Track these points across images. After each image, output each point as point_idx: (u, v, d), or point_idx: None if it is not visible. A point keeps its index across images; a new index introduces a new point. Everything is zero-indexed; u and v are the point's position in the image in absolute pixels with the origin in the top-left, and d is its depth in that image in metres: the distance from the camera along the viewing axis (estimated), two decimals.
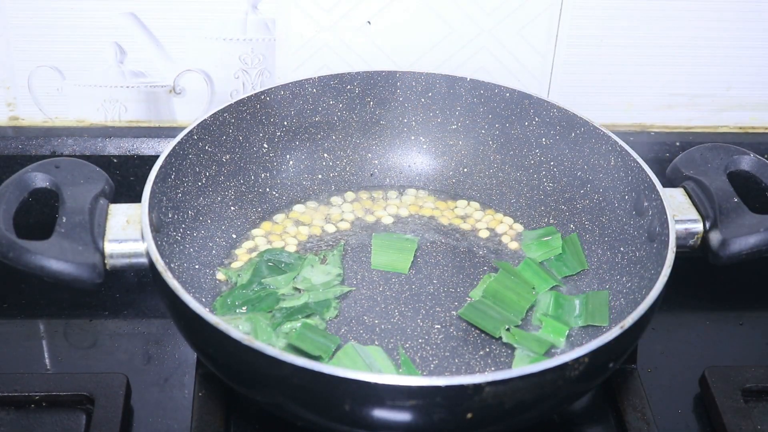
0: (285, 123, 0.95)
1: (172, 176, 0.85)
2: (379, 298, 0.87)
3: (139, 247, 0.76)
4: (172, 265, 0.81)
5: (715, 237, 0.81)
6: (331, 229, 0.94)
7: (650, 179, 0.84)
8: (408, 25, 0.99)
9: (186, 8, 0.97)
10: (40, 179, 0.79)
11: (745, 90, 1.06)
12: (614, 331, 0.70)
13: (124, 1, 0.96)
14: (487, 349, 0.82)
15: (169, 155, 0.84)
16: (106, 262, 0.76)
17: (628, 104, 1.06)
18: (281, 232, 0.93)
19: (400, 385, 0.65)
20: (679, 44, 1.02)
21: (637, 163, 0.86)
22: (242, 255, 0.90)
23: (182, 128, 0.88)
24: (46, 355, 0.88)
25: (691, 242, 0.83)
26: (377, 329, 0.84)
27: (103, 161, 0.98)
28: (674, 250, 0.78)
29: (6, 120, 1.01)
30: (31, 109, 1.01)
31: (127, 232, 0.77)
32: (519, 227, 0.96)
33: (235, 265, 0.89)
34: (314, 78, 0.95)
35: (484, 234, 0.95)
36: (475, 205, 0.98)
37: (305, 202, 0.97)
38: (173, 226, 0.84)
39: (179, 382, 0.85)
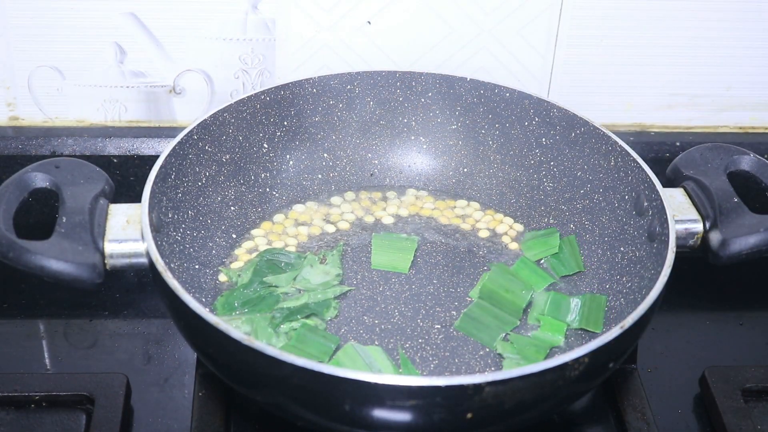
0: (285, 123, 0.95)
1: (172, 176, 0.85)
2: (379, 298, 0.87)
3: (139, 247, 0.76)
4: (172, 265, 0.81)
5: (715, 237, 0.81)
6: (330, 229, 0.94)
7: (650, 179, 0.84)
8: (408, 25, 0.99)
9: (186, 8, 0.97)
10: (40, 179, 0.79)
11: (745, 90, 1.06)
12: (614, 331, 0.70)
13: (124, 1, 0.96)
14: (488, 349, 0.82)
15: (169, 155, 0.84)
16: (106, 262, 0.76)
17: (628, 104, 1.06)
18: (281, 232, 0.93)
19: (400, 385, 0.65)
20: (679, 44, 1.02)
21: (637, 163, 0.86)
22: (242, 255, 0.90)
23: (182, 128, 0.88)
24: (46, 355, 0.88)
25: (691, 242, 0.83)
26: (377, 329, 0.84)
27: (103, 161, 0.98)
28: (674, 250, 0.78)
29: (6, 120, 1.01)
30: (31, 109, 1.01)
31: (127, 232, 0.77)
32: (519, 227, 0.96)
33: (235, 265, 0.89)
34: (314, 78, 0.95)
35: (484, 234, 0.95)
36: (475, 205, 0.98)
37: (305, 202, 0.97)
38: (173, 226, 0.84)
39: (179, 382, 0.85)
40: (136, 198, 0.79)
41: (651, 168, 0.86)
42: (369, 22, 0.99)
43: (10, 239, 0.73)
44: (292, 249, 0.91)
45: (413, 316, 0.85)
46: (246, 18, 0.98)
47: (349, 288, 0.87)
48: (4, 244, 0.73)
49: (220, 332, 0.68)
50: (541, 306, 0.86)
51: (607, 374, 0.75)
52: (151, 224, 0.77)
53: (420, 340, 0.83)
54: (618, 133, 0.90)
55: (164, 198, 0.83)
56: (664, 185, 0.85)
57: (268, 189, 0.95)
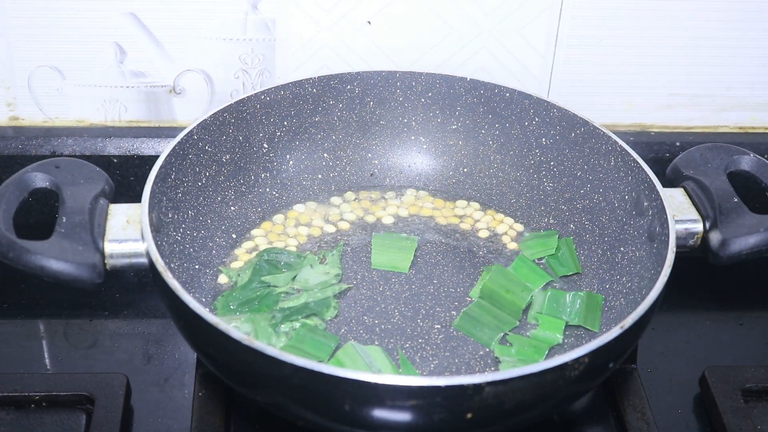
0: (285, 123, 0.95)
1: (172, 176, 0.85)
2: (379, 298, 0.87)
3: (139, 247, 0.76)
4: (172, 265, 0.81)
5: (715, 237, 0.81)
6: (330, 229, 0.94)
7: (650, 179, 0.84)
8: (408, 25, 0.99)
9: (186, 8, 0.97)
10: (40, 179, 0.79)
11: (745, 90, 1.06)
12: (614, 331, 0.70)
13: (124, 1, 0.96)
14: (488, 349, 0.82)
15: (169, 155, 0.84)
16: (106, 262, 0.76)
17: (628, 104, 1.06)
18: (281, 232, 0.93)
19: (400, 385, 0.65)
20: (679, 44, 1.02)
21: (637, 163, 0.86)
22: (242, 255, 0.90)
23: (182, 128, 0.88)
24: (46, 355, 0.88)
25: (691, 242, 0.83)
26: (377, 329, 0.84)
27: (103, 161, 0.98)
28: (674, 250, 0.78)
29: (6, 120, 1.01)
30: (31, 109, 1.01)
31: (127, 232, 0.77)
32: (519, 227, 0.96)
33: (235, 264, 0.89)
34: (314, 78, 0.95)
35: (484, 234, 0.95)
36: (475, 205, 0.98)
37: (305, 202, 0.97)
38: (173, 226, 0.84)
39: (179, 382, 0.85)
40: (136, 198, 0.79)
41: (651, 168, 0.86)
42: (369, 22, 0.99)
43: (10, 239, 0.73)
44: (292, 249, 0.91)
45: (413, 316, 0.85)
46: (246, 18, 0.98)
47: (349, 286, 0.87)
48: (4, 244, 0.73)
49: (220, 332, 0.68)
50: (540, 304, 0.86)
51: (607, 374, 0.75)
52: (151, 224, 0.77)
53: (420, 340, 0.83)
54: (618, 133, 0.90)
55: (164, 198, 0.83)
56: (664, 185, 0.85)
57: (268, 189, 0.95)
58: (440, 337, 0.83)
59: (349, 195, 0.98)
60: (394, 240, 0.92)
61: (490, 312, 0.85)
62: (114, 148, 1.00)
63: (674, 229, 0.80)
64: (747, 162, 0.88)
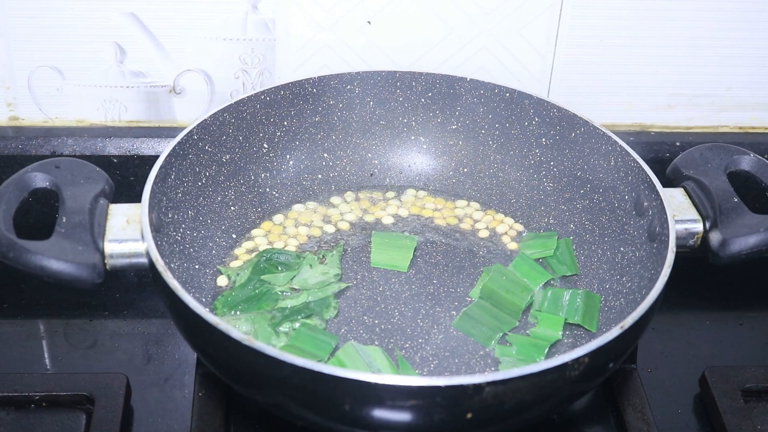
0: (285, 123, 0.95)
1: (172, 176, 0.85)
2: (378, 298, 0.87)
3: (139, 247, 0.76)
4: (172, 265, 0.81)
5: (715, 237, 0.81)
6: (330, 229, 0.94)
7: (650, 179, 0.84)
8: (408, 25, 0.99)
9: (186, 8, 0.97)
10: (40, 179, 0.79)
11: (745, 90, 1.06)
12: (614, 331, 0.70)
13: (124, 1, 0.96)
14: (488, 349, 0.82)
15: (169, 155, 0.84)
16: (106, 262, 0.76)
17: (628, 104, 1.06)
18: (281, 232, 0.93)
19: (400, 385, 0.65)
20: (679, 44, 1.02)
21: (637, 163, 0.86)
22: (242, 255, 0.90)
23: (182, 128, 0.88)
24: (46, 355, 0.88)
25: (691, 242, 0.83)
26: (377, 329, 0.84)
27: (103, 161, 0.98)
28: (674, 250, 0.78)
29: (6, 120, 1.01)
30: (31, 109, 1.01)
31: (127, 232, 0.77)
32: (519, 227, 0.96)
33: (235, 264, 0.89)
34: (314, 78, 0.95)
35: (484, 234, 0.95)
36: (475, 205, 0.98)
37: (305, 202, 0.97)
38: (173, 226, 0.84)
39: (179, 382, 0.85)
40: (136, 198, 0.79)
41: (651, 168, 0.86)
42: (369, 22, 0.99)
43: (10, 239, 0.73)
44: (292, 249, 0.91)
45: (413, 316, 0.85)
46: (246, 18, 0.98)
47: (348, 285, 0.87)
48: (4, 244, 0.73)
49: (220, 332, 0.68)
50: (540, 303, 0.86)
51: (607, 374, 0.75)
52: (151, 224, 0.77)
53: (420, 340, 0.83)
54: (618, 133, 0.90)
55: (164, 198, 0.83)
56: (664, 185, 0.85)
57: (268, 189, 0.95)
58: (440, 337, 0.83)
59: (349, 195, 0.98)
60: (393, 239, 0.92)
61: (490, 312, 0.85)
62: (114, 148, 1.00)
63: (674, 229, 0.80)
64: (747, 162, 0.88)
